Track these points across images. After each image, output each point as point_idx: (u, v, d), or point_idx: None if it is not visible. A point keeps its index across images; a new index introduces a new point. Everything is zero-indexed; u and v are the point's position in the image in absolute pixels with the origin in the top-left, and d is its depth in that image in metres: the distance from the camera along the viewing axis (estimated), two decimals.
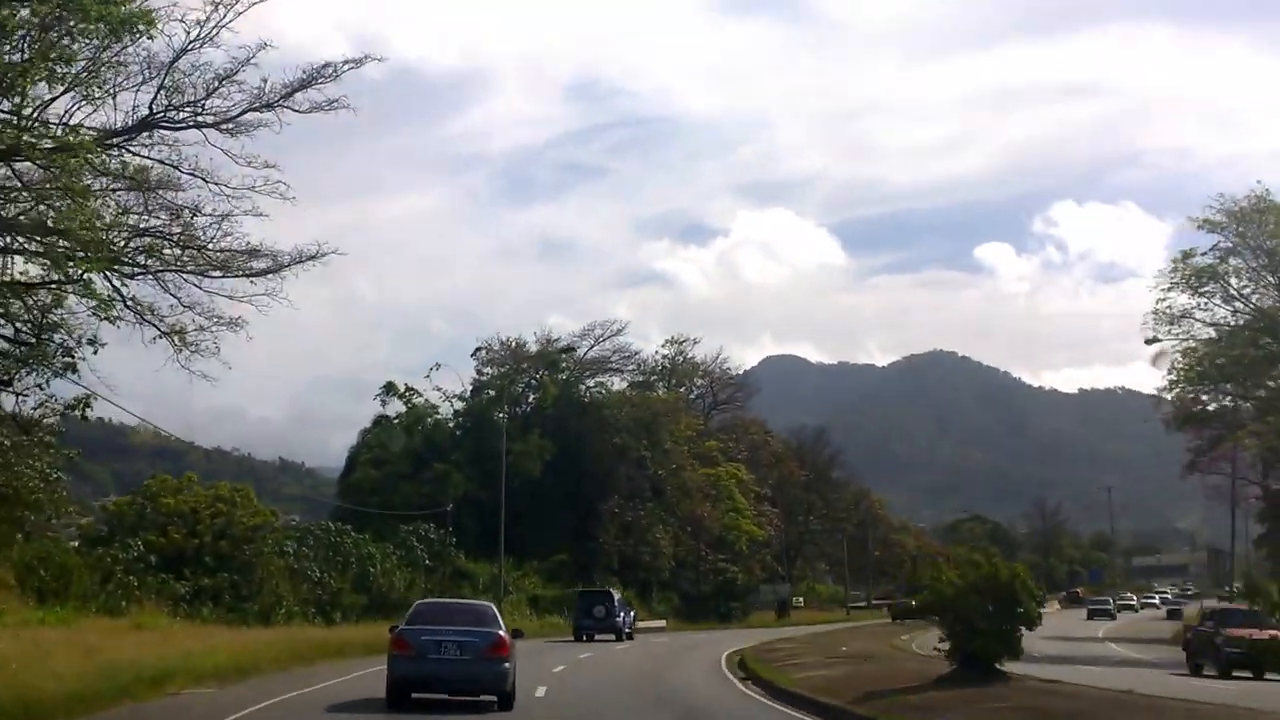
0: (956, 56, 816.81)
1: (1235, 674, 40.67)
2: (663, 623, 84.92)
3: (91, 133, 31.17)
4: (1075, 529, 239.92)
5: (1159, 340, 56.05)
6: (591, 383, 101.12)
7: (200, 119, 35.14)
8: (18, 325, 34.52)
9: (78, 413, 35.72)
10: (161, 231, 36.09)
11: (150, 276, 36.18)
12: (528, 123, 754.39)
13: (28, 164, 30.93)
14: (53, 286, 33.16)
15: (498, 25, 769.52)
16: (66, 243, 29.70)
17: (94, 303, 30.57)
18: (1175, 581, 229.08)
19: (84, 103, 31.34)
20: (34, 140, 29.05)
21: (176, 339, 36.39)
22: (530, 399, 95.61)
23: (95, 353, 33.50)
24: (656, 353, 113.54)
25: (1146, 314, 53.98)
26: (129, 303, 35.35)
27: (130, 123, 33.92)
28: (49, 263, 31.23)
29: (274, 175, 35.63)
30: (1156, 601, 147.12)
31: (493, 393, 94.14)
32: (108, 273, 32.70)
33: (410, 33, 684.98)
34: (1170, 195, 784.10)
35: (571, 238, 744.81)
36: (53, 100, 30.85)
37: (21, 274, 33.46)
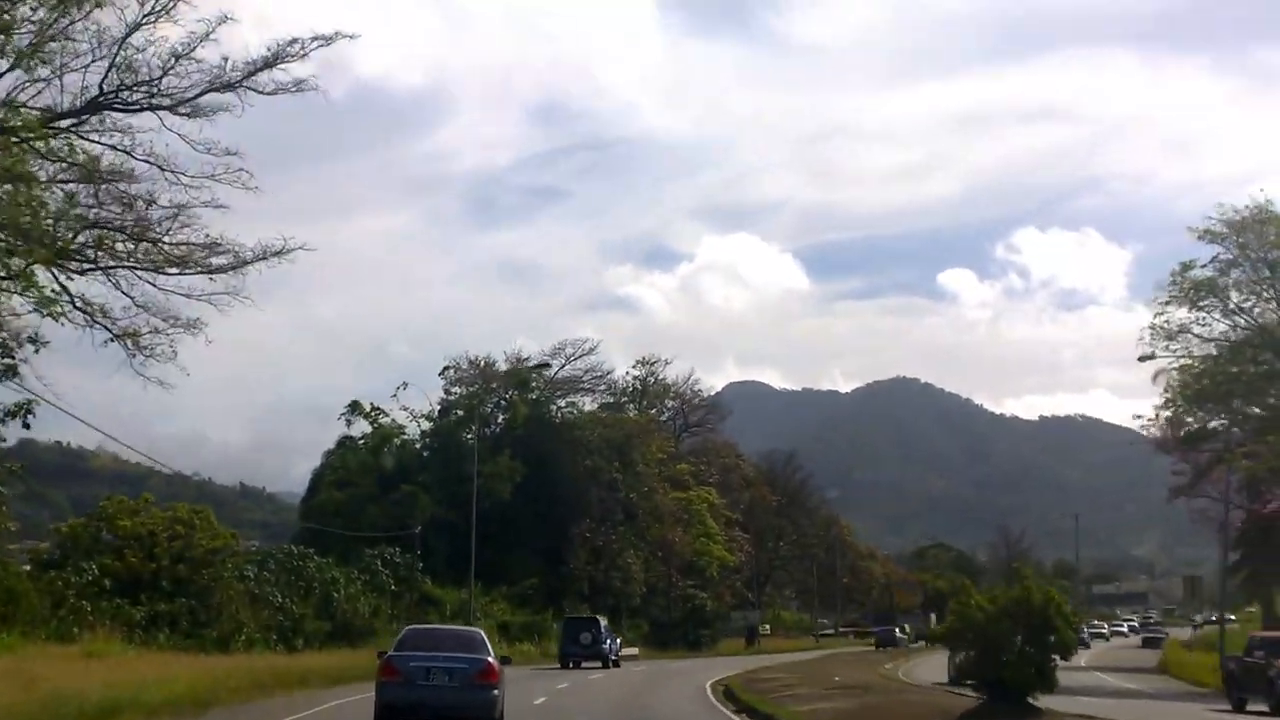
0: (922, 82, 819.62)
1: None
2: (635, 650, 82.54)
3: (35, 113, 28.43)
4: (1038, 556, 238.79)
5: (1154, 357, 54.35)
6: (563, 403, 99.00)
7: (155, 101, 32.37)
8: None
9: (18, 420, 32.63)
10: (113, 223, 33.16)
11: (101, 273, 33.30)
12: (491, 144, 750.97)
13: None
14: None
15: (462, 46, 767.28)
16: (5, 234, 26.91)
17: (36, 298, 27.69)
18: (1136, 609, 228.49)
19: (28, 83, 28.61)
20: None
21: (129, 342, 33.72)
22: (500, 419, 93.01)
23: (36, 351, 30.65)
24: (627, 374, 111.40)
25: (1144, 329, 52.24)
26: (77, 302, 32.50)
27: (79, 104, 31.08)
28: None
29: (235, 163, 33.01)
30: (1125, 630, 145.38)
31: (461, 413, 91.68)
32: (53, 268, 29.85)
33: (373, 52, 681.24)
34: (1131, 221, 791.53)
35: (535, 261, 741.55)
36: None
37: None
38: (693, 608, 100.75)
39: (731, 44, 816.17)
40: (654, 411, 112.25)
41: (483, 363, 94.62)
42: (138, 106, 32.26)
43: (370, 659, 53.52)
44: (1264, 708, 38.73)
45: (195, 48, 32.07)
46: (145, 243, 33.65)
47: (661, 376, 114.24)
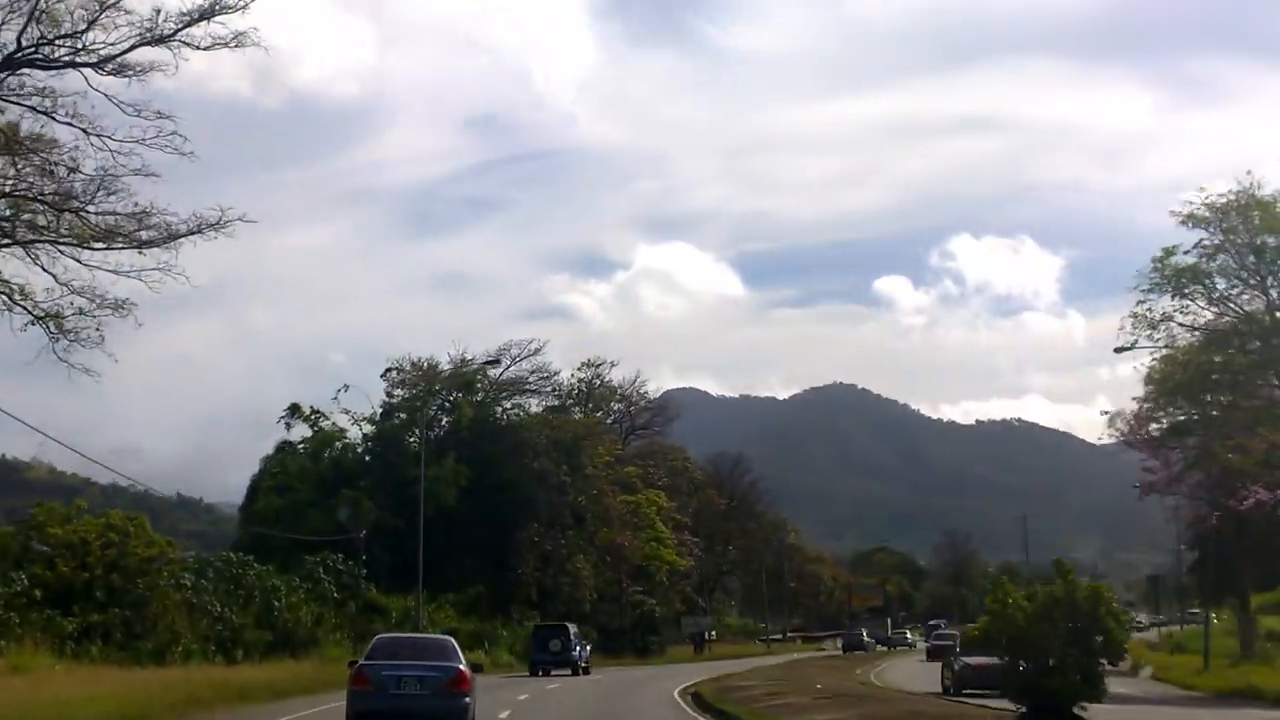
0: (856, 91, 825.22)
1: None
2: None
3: None
4: (982, 559, 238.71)
5: (1133, 347, 52.42)
6: (508, 405, 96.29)
7: (80, 57, 29.37)
8: None
9: None
10: (32, 193, 30.10)
11: (19, 248, 30.23)
12: (427, 155, 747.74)
13: None
14: None
15: (398, 57, 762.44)
16: None
17: None
18: None
19: None
20: None
21: (52, 325, 30.69)
22: (444, 422, 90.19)
23: None
24: (572, 375, 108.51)
25: (1124, 318, 50.04)
26: None
27: None
28: None
29: (167, 126, 30.06)
30: None
31: (404, 415, 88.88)
32: None
33: (308, 63, 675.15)
34: (1064, 229, 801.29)
35: (471, 271, 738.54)
36: None
37: None
38: (641, 614, 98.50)
39: (667, 54, 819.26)
40: (599, 414, 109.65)
41: (426, 365, 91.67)
42: (60, 64, 29.32)
43: (314, 670, 51.34)
44: None
45: None
46: (68, 214, 30.66)
47: (607, 379, 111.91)
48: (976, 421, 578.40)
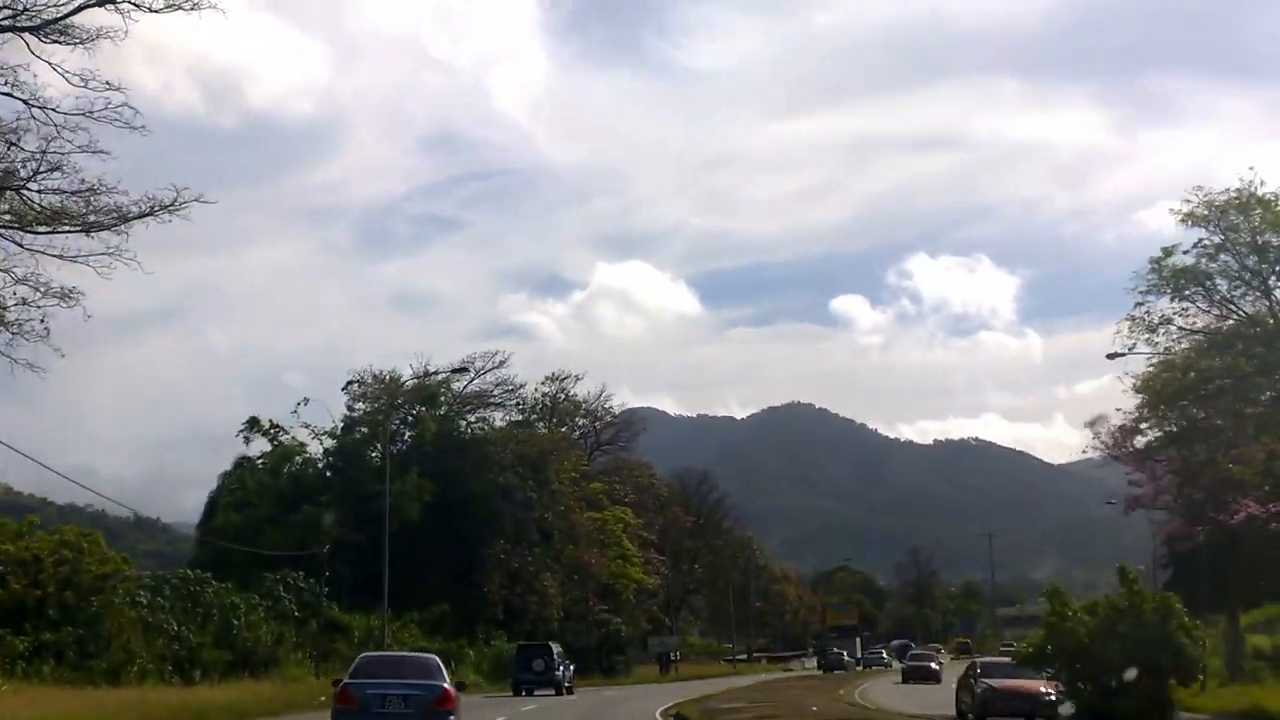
0: (812, 110, 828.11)
1: None
2: None
3: None
4: (944, 578, 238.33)
5: (1129, 352, 50.99)
6: (472, 418, 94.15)
7: (19, 21, 27.25)
8: None
9: None
10: None
11: None
12: (384, 174, 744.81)
13: None
14: None
15: (353, 76, 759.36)
16: None
17: None
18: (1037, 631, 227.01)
19: None
20: None
21: None
22: (406, 436, 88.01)
23: None
24: (536, 390, 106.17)
25: (1120, 322, 48.37)
26: None
27: None
28: None
29: (116, 98, 28.00)
30: None
31: (366, 430, 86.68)
32: None
33: (263, 82, 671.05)
34: (1021, 248, 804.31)
35: (429, 290, 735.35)
36: None
37: None
38: (607, 633, 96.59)
39: (624, 72, 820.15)
40: (564, 429, 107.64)
41: (388, 378, 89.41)
42: None
43: (275, 690, 49.31)
44: None
45: None
46: (9, 192, 28.54)
47: (571, 393, 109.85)
48: (934, 441, 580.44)
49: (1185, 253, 45.27)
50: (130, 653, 51.38)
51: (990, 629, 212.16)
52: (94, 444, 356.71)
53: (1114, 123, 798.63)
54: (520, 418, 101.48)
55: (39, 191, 28.63)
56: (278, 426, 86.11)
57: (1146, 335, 46.53)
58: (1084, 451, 61.00)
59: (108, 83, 27.88)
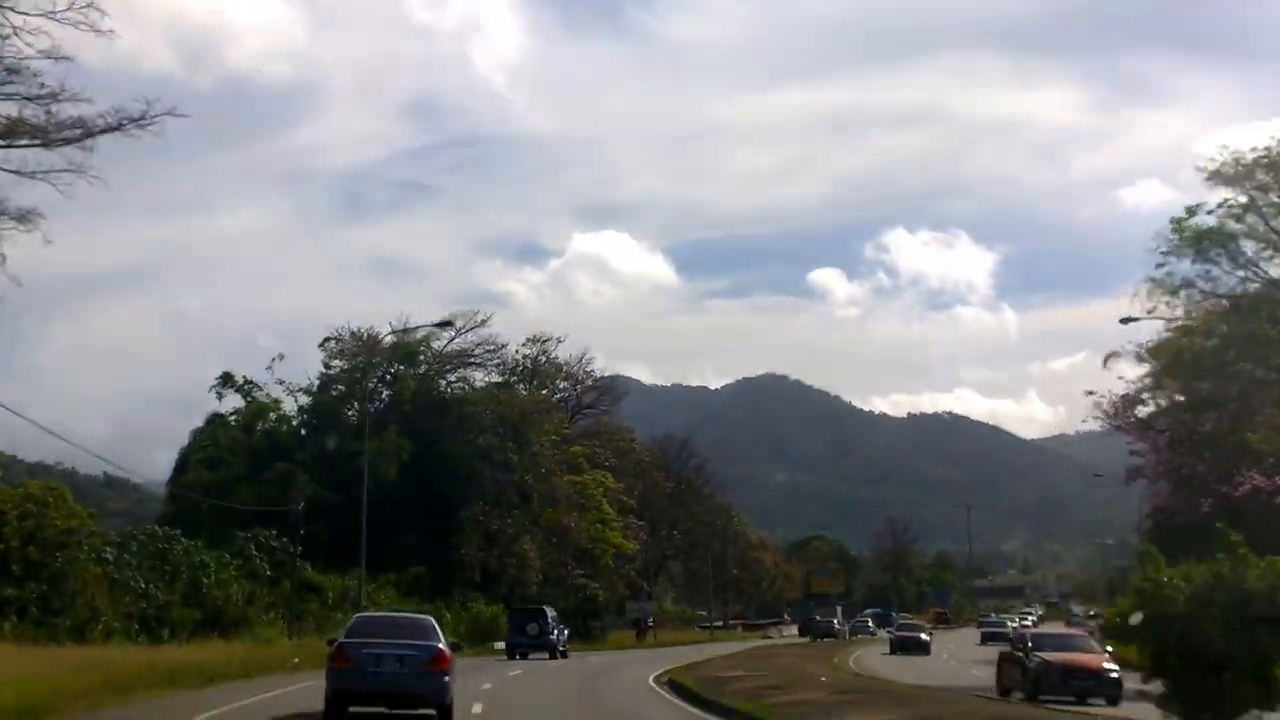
0: (792, 83, 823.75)
1: None
2: None
3: None
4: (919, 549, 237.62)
5: (1149, 316, 49.19)
6: (453, 377, 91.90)
7: None
8: None
9: None
10: None
11: None
12: (363, 139, 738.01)
13: None
14: None
15: (333, 40, 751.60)
16: None
17: None
18: (1012, 604, 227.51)
19: None
20: None
21: None
22: (384, 395, 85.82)
23: None
24: (517, 352, 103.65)
25: (1139, 284, 46.14)
26: None
27: None
28: None
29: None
30: (1030, 624, 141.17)
31: (342, 388, 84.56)
32: None
33: (241, 43, 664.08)
34: (998, 224, 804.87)
35: (405, 256, 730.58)
36: None
37: None
38: (584, 598, 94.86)
39: (603, 42, 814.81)
40: (545, 392, 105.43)
41: (366, 335, 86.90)
42: None
43: (246, 651, 47.35)
44: None
45: None
46: None
47: (553, 355, 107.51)
48: (908, 414, 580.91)
49: (1209, 213, 43.02)
50: (95, 610, 50.01)
51: (964, 599, 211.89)
52: (65, 404, 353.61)
53: (1094, 101, 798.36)
54: (501, 379, 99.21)
55: None
56: (252, 383, 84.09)
57: (1167, 298, 44.36)
58: (1084, 420, 59.22)
59: None
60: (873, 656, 65.52)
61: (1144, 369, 56.03)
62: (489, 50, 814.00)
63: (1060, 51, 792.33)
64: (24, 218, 27.92)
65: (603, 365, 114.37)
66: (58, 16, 25.91)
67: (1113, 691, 33.35)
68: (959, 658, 65.68)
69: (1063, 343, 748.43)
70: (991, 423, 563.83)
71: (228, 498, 71.68)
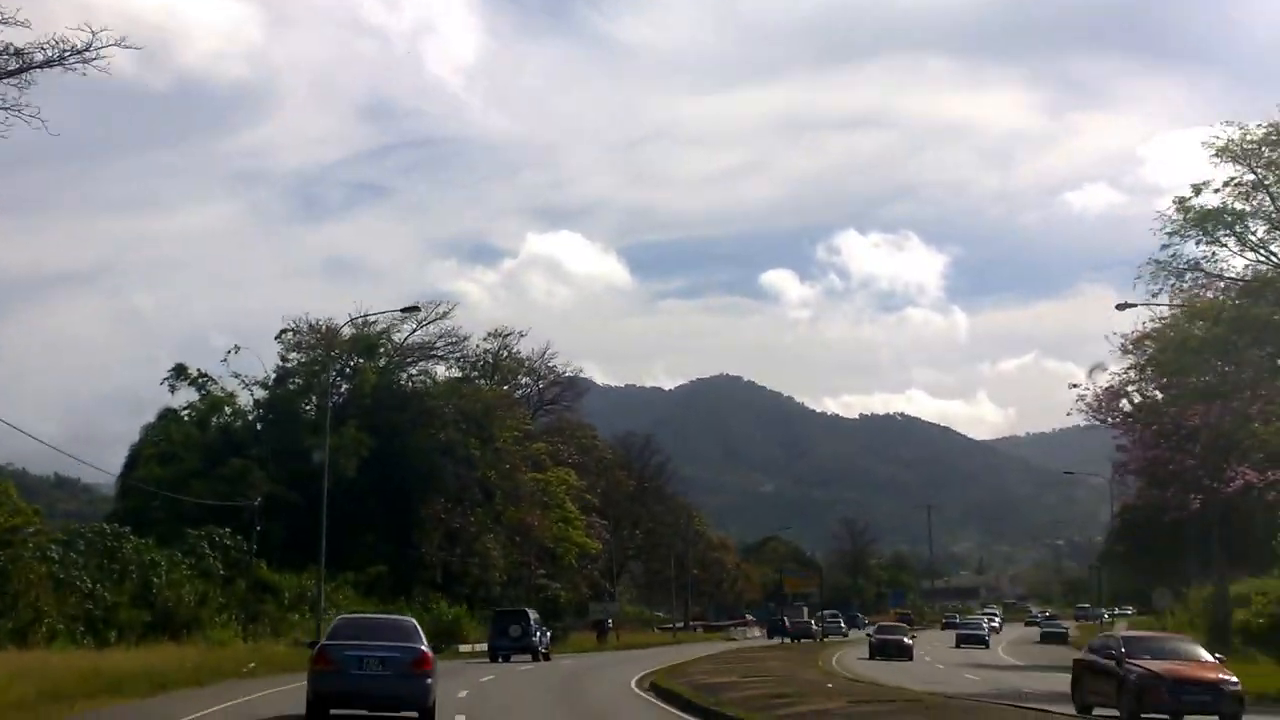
0: (744, 85, 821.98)
1: None
2: None
3: None
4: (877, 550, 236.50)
5: (1133, 305, 47.35)
6: (414, 370, 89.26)
7: None
8: None
9: None
10: None
11: None
12: (317, 140, 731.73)
13: None
14: None
15: (287, 40, 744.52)
16: None
17: None
18: (966, 604, 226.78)
19: None
20: None
21: None
22: (343, 388, 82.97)
23: None
24: (478, 346, 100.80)
25: (1142, 267, 44.07)
26: None
27: None
28: None
29: None
30: (996, 624, 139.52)
31: (300, 381, 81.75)
32: None
33: (195, 43, 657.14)
34: (948, 226, 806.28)
35: (360, 257, 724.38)
36: None
37: None
38: (545, 599, 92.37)
39: (558, 44, 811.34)
40: (506, 388, 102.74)
41: (325, 327, 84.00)
42: None
43: (199, 655, 44.75)
44: None
45: None
46: None
47: (515, 350, 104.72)
48: (860, 415, 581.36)
49: (1215, 191, 40.91)
50: (39, 611, 47.37)
51: (920, 600, 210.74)
52: (13, 403, 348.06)
53: (1042, 104, 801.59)
54: (461, 374, 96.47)
55: None
56: (206, 376, 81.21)
57: (1172, 281, 42.33)
58: (1067, 414, 57.39)
59: None
60: (854, 659, 63.44)
61: (1128, 361, 54.31)
62: (444, 51, 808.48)
63: (1008, 55, 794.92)
64: None
65: (565, 360, 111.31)
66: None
67: (1233, 708, 28.47)
68: (944, 661, 63.39)
69: (1012, 344, 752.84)
70: (942, 424, 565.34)
71: (181, 494, 69.04)
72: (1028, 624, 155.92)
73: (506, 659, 60.71)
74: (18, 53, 25.10)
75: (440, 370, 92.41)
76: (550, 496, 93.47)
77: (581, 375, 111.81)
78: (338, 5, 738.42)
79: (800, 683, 33.70)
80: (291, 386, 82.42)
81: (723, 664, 47.85)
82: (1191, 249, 41.03)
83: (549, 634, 67.79)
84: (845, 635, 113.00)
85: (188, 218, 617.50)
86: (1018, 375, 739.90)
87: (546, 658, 63.53)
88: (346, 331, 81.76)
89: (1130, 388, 58.38)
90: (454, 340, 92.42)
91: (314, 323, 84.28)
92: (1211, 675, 28.99)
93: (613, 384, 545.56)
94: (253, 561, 63.24)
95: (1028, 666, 59.43)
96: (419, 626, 26.42)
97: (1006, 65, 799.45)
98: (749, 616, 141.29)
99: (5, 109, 25.51)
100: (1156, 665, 29.17)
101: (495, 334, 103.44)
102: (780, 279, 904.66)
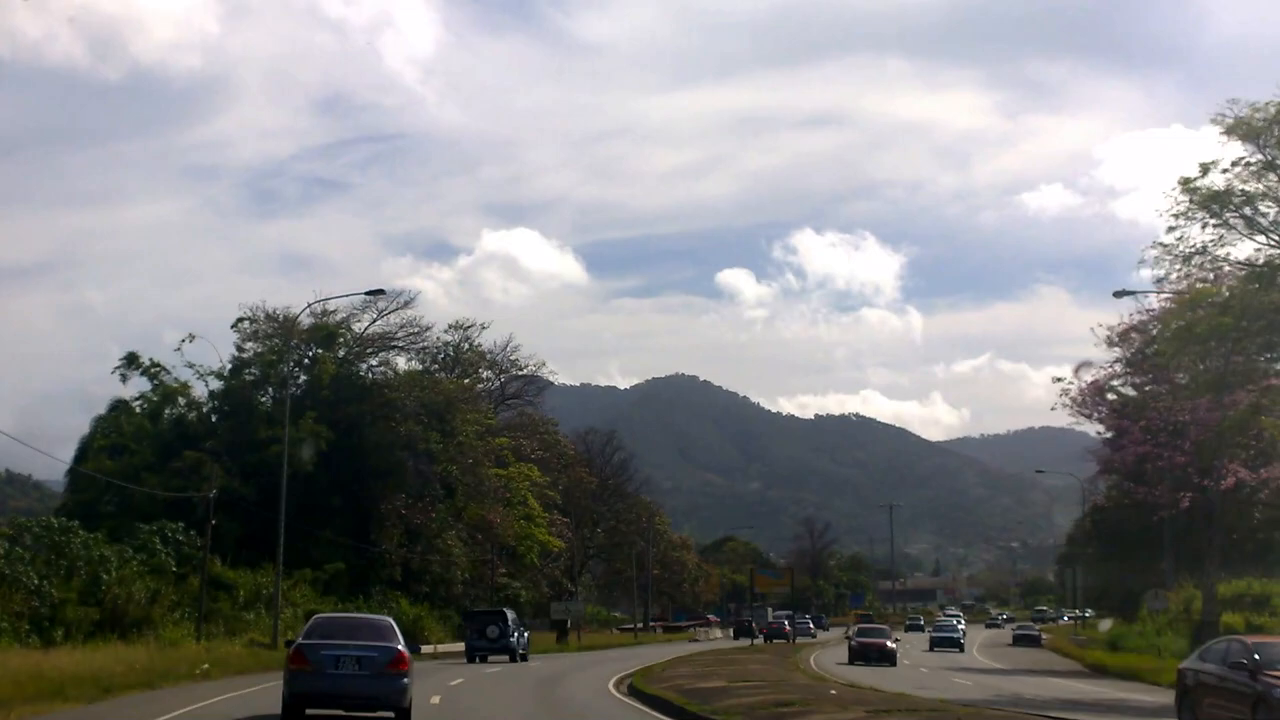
0: (702, 84, 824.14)
1: None
2: (463, 645, 72.29)
3: None
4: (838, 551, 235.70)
5: (1131, 293, 45.76)
6: (375, 361, 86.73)
7: None
8: None
9: None
10: None
11: None
12: (273, 134, 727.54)
13: None
14: None
15: (242, 31, 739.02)
16: None
17: None
18: (922, 605, 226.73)
19: None
20: None
21: None
22: (301, 379, 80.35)
23: None
24: (438, 339, 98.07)
25: (1145, 249, 42.20)
26: None
27: None
28: None
29: None
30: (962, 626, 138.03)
31: (256, 371, 79.24)
32: None
33: (150, 33, 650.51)
34: (905, 227, 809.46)
35: (315, 252, 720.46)
36: None
37: None
38: (505, 598, 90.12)
39: (516, 40, 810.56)
40: (468, 381, 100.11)
41: (282, 316, 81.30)
42: None
43: (149, 656, 42.44)
44: None
45: None
46: None
47: (476, 343, 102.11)
48: (815, 416, 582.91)
49: (1223, 171, 39.13)
50: None
51: (878, 601, 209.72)
52: None
53: (999, 106, 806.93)
54: (421, 367, 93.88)
55: None
56: (159, 365, 78.46)
57: (1180, 266, 40.57)
58: (1052, 409, 55.84)
59: None
60: (830, 660, 61.49)
61: (1115, 353, 52.77)
62: (401, 45, 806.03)
63: (966, 56, 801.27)
64: None
65: (528, 355, 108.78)
66: None
67: None
68: (927, 665, 61.19)
69: (967, 345, 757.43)
70: (897, 425, 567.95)
71: (132, 488, 66.62)
72: (988, 625, 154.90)
73: (484, 659, 60.21)
74: None
75: (401, 362, 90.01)
76: (513, 493, 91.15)
77: (545, 369, 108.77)
78: None
79: (798, 688, 31.57)
80: (248, 377, 79.92)
81: (701, 666, 45.81)
82: (1197, 233, 39.26)
83: (526, 635, 66.56)
84: (814, 637, 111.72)
85: (142, 211, 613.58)
86: (972, 376, 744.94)
87: (524, 659, 62.63)
88: (305, 321, 79.15)
89: (1115, 381, 56.93)
90: (415, 331, 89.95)
91: (271, 312, 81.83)
92: None
93: (568, 383, 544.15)
94: (207, 557, 60.73)
95: (1013, 670, 57.60)
96: (395, 626, 26.02)
97: (964, 66, 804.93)
98: (712, 617, 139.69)
99: None
100: None
101: (456, 326, 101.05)
102: (736, 278, 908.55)
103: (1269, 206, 38.31)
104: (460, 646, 71.14)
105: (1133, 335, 55.74)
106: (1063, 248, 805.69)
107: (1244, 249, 39.47)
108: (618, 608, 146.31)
